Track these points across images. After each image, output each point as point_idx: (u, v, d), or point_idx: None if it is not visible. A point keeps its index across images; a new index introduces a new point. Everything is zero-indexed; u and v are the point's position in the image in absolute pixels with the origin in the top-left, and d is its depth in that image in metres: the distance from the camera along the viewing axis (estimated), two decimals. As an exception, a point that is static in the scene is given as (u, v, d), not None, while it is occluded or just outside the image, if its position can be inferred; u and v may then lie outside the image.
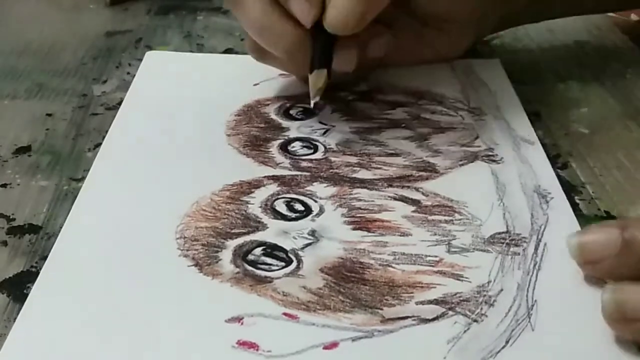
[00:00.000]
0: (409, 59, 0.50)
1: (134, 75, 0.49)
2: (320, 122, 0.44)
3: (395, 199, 0.38)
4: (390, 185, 0.39)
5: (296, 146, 0.42)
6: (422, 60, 0.50)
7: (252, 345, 0.30)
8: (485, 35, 0.54)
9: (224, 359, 0.29)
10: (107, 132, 0.43)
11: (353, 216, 0.37)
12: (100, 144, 0.42)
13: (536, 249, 0.35)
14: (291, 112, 0.46)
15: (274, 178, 0.39)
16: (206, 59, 0.54)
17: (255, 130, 0.43)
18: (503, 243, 0.35)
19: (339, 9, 0.41)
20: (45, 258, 0.34)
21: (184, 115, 0.45)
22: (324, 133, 0.44)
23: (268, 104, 0.46)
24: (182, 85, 0.48)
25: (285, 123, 0.44)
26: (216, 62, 0.53)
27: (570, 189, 0.40)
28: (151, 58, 0.52)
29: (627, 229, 0.31)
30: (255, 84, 0.49)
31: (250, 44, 0.45)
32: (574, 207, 0.38)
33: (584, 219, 0.38)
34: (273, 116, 0.45)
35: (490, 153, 0.42)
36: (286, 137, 0.43)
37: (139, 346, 0.30)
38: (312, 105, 0.43)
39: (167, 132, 0.43)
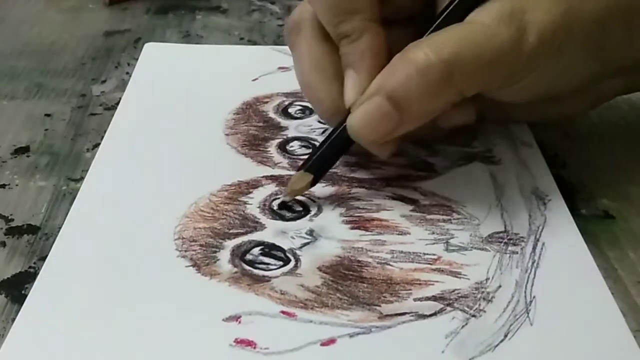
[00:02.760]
0: (520, 120, 0.44)
1: (133, 75, 0.49)
2: (319, 122, 0.44)
3: (393, 198, 0.38)
4: (389, 185, 0.39)
5: (294, 146, 0.42)
6: (536, 122, 0.44)
7: (249, 343, 0.30)
8: (607, 99, 0.43)
9: (222, 357, 0.29)
10: (105, 132, 0.43)
11: (351, 215, 0.37)
12: (99, 144, 0.42)
13: (534, 248, 0.35)
14: (290, 110, 0.46)
15: (273, 178, 0.39)
16: (205, 50, 0.54)
17: (253, 130, 0.44)
18: (501, 242, 0.35)
19: (364, 114, 0.36)
20: (43, 258, 0.34)
21: (182, 115, 0.45)
22: (323, 132, 0.44)
23: (267, 102, 0.46)
24: (180, 81, 0.48)
25: (283, 122, 0.44)
26: (215, 54, 0.53)
27: (568, 189, 0.40)
28: (150, 50, 0.52)
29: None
30: (254, 79, 0.49)
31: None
32: (573, 206, 0.38)
33: (583, 219, 0.38)
34: (272, 115, 0.45)
35: (489, 154, 0.42)
36: (285, 137, 0.43)
37: (138, 346, 0.30)
38: (283, 198, 0.38)
39: (165, 131, 0.43)
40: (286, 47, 0.49)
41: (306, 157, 0.39)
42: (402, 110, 0.35)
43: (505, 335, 0.30)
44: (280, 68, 0.49)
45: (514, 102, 0.39)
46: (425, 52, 0.34)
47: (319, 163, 0.38)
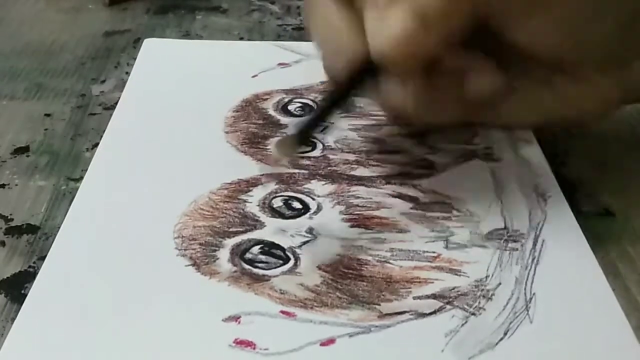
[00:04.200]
0: (536, 116, 0.40)
1: (133, 75, 0.49)
2: (319, 122, 0.44)
3: (393, 196, 0.38)
4: (389, 183, 0.39)
5: (294, 144, 0.42)
6: (554, 117, 0.40)
7: (249, 344, 0.30)
8: (633, 99, 0.41)
9: (221, 358, 0.29)
10: (104, 131, 0.43)
11: (351, 213, 0.37)
12: (99, 143, 0.42)
13: (534, 244, 0.35)
14: (289, 107, 0.45)
15: (272, 176, 0.39)
16: (204, 46, 0.54)
17: (253, 127, 0.43)
18: (501, 239, 0.35)
19: (388, 29, 0.34)
20: (43, 258, 0.34)
21: (182, 113, 0.45)
22: (323, 130, 0.43)
23: (266, 99, 0.46)
24: (180, 78, 0.48)
25: (283, 119, 0.44)
26: (215, 49, 0.53)
27: (568, 186, 0.40)
28: (149, 46, 0.52)
29: None
30: (253, 76, 0.48)
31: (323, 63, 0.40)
32: (573, 204, 0.38)
33: (583, 216, 0.37)
34: (271, 112, 0.45)
35: (489, 151, 0.42)
36: (284, 135, 0.43)
37: (137, 346, 0.30)
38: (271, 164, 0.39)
39: (164, 130, 0.43)
40: (286, 43, 0.49)
41: (306, 155, 0.39)
42: (423, 21, 0.34)
43: (505, 334, 0.30)
44: (280, 64, 0.49)
45: (535, 53, 0.37)
46: None
47: (300, 125, 0.36)
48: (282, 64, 0.49)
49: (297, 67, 0.49)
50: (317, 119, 0.37)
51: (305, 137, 0.37)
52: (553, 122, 0.41)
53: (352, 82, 0.37)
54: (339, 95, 0.37)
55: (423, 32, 0.34)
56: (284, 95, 0.47)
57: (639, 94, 0.40)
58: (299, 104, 0.46)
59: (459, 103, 0.38)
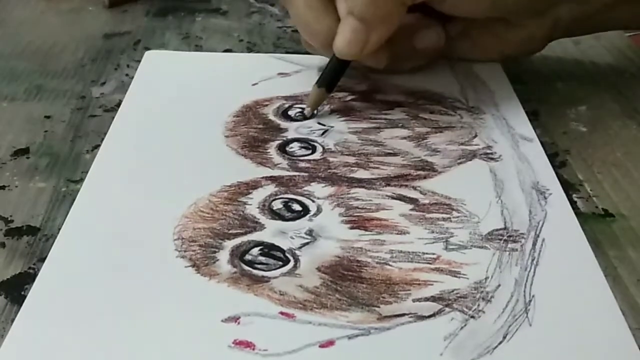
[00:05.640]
0: (489, 55, 0.51)
1: (133, 77, 0.49)
2: (319, 123, 0.44)
3: (392, 197, 0.38)
4: (388, 185, 0.39)
5: (294, 147, 0.42)
6: (503, 55, 0.51)
7: (248, 345, 0.30)
8: (560, 33, 0.50)
9: (220, 358, 0.29)
10: (105, 133, 0.43)
11: (350, 215, 0.37)
12: (99, 145, 0.42)
13: (534, 244, 0.35)
14: (289, 112, 0.46)
15: (272, 179, 0.39)
16: (205, 57, 0.54)
17: (253, 131, 0.43)
18: (501, 239, 0.35)
19: (342, 36, 0.43)
20: (43, 260, 0.34)
21: (182, 117, 0.45)
22: (323, 134, 0.44)
23: (267, 105, 0.46)
24: (181, 86, 0.48)
25: (283, 124, 0.44)
26: (215, 60, 0.53)
27: (568, 187, 0.40)
28: (150, 58, 0.52)
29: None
30: (254, 84, 0.49)
31: (302, 38, 0.48)
32: (572, 205, 0.38)
33: (582, 217, 0.38)
34: (271, 117, 0.45)
35: (489, 151, 0.42)
36: (284, 138, 0.43)
37: (137, 347, 0.30)
38: (306, 113, 0.45)
39: (165, 133, 0.43)
40: (285, 55, 0.51)
41: (306, 158, 0.39)
42: (366, 22, 0.43)
43: (504, 337, 0.30)
44: (279, 74, 0.49)
45: (470, 16, 0.48)
46: None
47: (328, 77, 0.45)
48: (282, 74, 0.49)
49: (296, 77, 0.50)
50: (338, 73, 0.46)
51: (332, 88, 0.45)
52: (497, 57, 0.51)
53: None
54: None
55: (369, 35, 0.43)
56: (284, 101, 0.47)
57: (564, 30, 0.50)
58: (299, 109, 0.46)
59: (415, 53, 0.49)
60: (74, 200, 0.38)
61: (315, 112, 0.45)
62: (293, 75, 0.50)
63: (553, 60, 0.54)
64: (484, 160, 0.41)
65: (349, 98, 0.47)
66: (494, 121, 0.45)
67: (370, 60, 0.46)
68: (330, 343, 0.30)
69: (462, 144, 0.43)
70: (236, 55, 0.54)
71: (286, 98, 0.47)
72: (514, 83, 0.49)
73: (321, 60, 0.49)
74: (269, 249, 0.34)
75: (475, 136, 0.43)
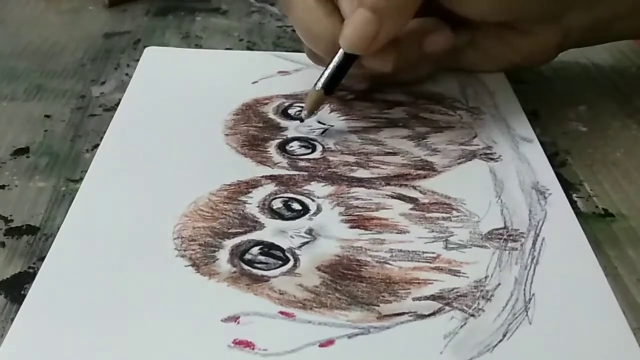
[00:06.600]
0: (499, 64, 0.49)
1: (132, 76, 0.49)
2: (319, 122, 0.44)
3: (392, 197, 0.38)
4: (388, 184, 0.39)
5: (294, 146, 0.42)
6: (513, 65, 0.49)
7: (247, 344, 0.30)
8: (571, 42, 0.49)
9: (220, 358, 0.29)
10: (105, 133, 0.43)
11: (350, 214, 0.37)
12: (99, 145, 0.42)
13: (534, 244, 0.35)
14: (289, 111, 0.45)
15: (272, 178, 0.39)
16: (205, 55, 0.54)
17: (253, 130, 0.43)
18: (501, 239, 0.35)
19: (352, 28, 0.41)
20: (43, 259, 0.34)
21: (182, 115, 0.45)
22: (323, 132, 0.44)
23: (267, 103, 0.46)
24: (181, 83, 0.48)
25: (283, 123, 0.44)
26: (215, 58, 0.53)
27: (568, 187, 0.40)
28: (150, 54, 0.52)
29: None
30: (254, 82, 0.49)
31: (305, 48, 0.46)
32: (572, 205, 0.38)
33: (582, 217, 0.38)
34: (271, 116, 0.45)
35: (489, 151, 0.42)
36: (284, 137, 0.43)
37: (136, 346, 0.30)
38: (304, 116, 0.43)
39: (165, 132, 0.43)
40: (286, 53, 0.50)
41: (306, 157, 0.39)
42: (379, 12, 0.40)
43: (504, 335, 0.30)
44: (280, 72, 0.49)
45: (480, 17, 0.46)
46: None
47: (327, 78, 0.43)
48: (283, 72, 0.49)
49: (297, 75, 0.50)
50: (337, 76, 0.43)
51: (331, 90, 0.43)
52: (507, 67, 0.50)
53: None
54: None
55: (380, 27, 0.41)
56: (284, 100, 0.47)
57: (575, 40, 0.48)
58: (299, 108, 0.46)
59: (424, 58, 0.47)
60: (73, 199, 0.37)
61: (313, 113, 0.44)
62: (293, 73, 0.50)
63: (552, 60, 0.53)
64: (483, 160, 0.41)
65: (349, 97, 0.47)
66: (493, 122, 0.45)
67: (376, 62, 0.43)
68: (330, 342, 0.30)
69: (462, 144, 0.43)
70: (236, 53, 0.54)
71: (286, 97, 0.47)
72: (514, 83, 0.49)
73: (322, 60, 0.48)
74: (268, 248, 0.34)
75: (475, 136, 0.43)
